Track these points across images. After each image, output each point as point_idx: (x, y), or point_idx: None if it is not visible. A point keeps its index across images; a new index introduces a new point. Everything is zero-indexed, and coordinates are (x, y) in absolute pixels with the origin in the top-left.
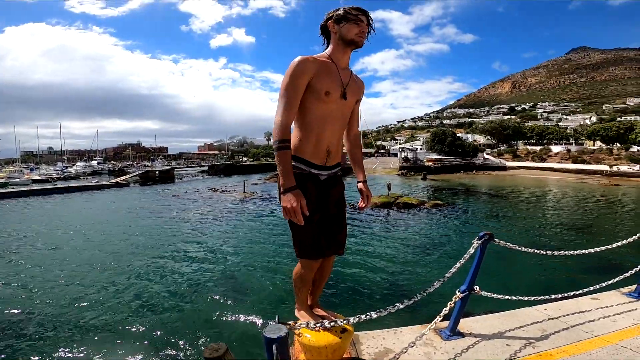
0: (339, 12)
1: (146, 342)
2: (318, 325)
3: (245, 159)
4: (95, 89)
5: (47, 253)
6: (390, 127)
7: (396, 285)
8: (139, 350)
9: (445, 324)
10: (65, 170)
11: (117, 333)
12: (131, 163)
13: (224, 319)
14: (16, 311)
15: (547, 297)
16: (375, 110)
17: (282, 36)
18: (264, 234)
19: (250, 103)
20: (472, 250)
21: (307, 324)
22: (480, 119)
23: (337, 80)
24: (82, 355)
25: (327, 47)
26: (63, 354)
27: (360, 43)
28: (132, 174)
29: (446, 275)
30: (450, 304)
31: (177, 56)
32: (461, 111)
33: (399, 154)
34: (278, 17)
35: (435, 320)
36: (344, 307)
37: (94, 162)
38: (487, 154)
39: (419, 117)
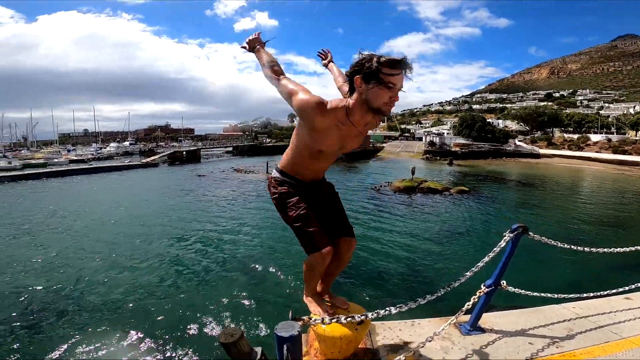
0: (371, 66)
1: (169, 319)
2: (334, 320)
3: (269, 140)
4: (126, 74)
5: (84, 230)
6: (415, 110)
7: (417, 273)
8: (162, 327)
9: (466, 318)
10: (99, 151)
11: (143, 310)
12: (160, 144)
13: (244, 301)
14: (55, 286)
15: (577, 295)
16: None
17: (306, 19)
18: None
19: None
20: (502, 244)
21: (322, 319)
22: (513, 105)
23: (340, 142)
24: (109, 327)
25: (351, 94)
26: (93, 327)
27: (388, 112)
28: (161, 155)
29: (473, 269)
30: (474, 299)
31: (202, 40)
32: (492, 96)
33: (424, 137)
34: (301, 0)
35: (457, 314)
36: (361, 293)
37: (126, 143)
38: (519, 141)
39: (446, 102)
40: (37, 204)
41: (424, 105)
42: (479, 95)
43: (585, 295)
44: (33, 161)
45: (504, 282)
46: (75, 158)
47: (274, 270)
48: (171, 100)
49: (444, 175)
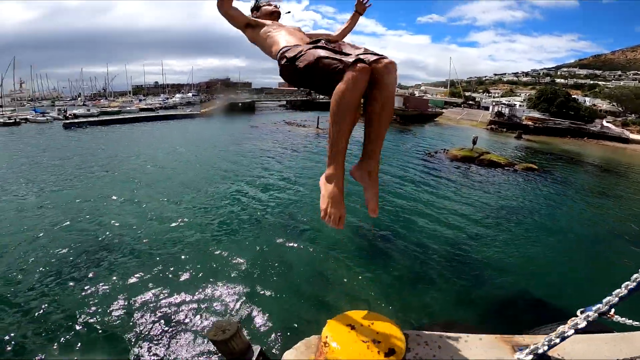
0: None
1: (221, 260)
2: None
3: (322, 96)
4: (192, 32)
5: (152, 172)
6: (484, 78)
7: (465, 262)
8: (212, 267)
9: (527, 339)
10: (165, 101)
11: (199, 250)
12: (219, 95)
13: (285, 247)
14: (127, 225)
15: None
16: (468, 61)
17: None
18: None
19: None
20: None
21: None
22: (607, 83)
23: None
24: (166, 260)
25: None
26: (156, 265)
27: None
28: (218, 105)
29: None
30: (562, 329)
31: None
32: (582, 72)
33: (491, 107)
34: None
35: (523, 334)
36: (393, 273)
37: (189, 95)
38: (607, 122)
39: (523, 73)
40: (109, 145)
41: (495, 74)
42: (565, 70)
43: None
44: (109, 109)
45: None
46: (145, 107)
47: (317, 219)
48: (232, 56)
49: (509, 149)
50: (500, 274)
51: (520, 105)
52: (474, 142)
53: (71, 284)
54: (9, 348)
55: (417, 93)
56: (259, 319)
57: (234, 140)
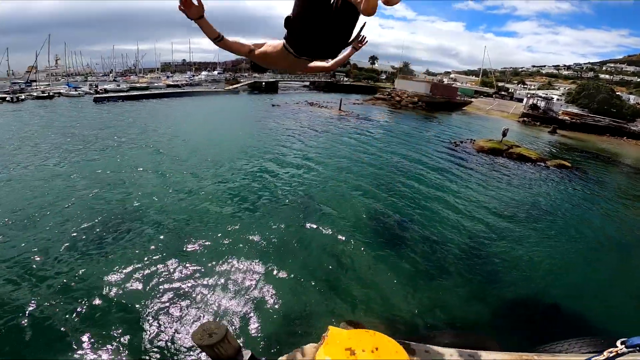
0: None
1: (238, 237)
2: None
3: (346, 79)
4: (219, 11)
5: (177, 146)
6: (520, 70)
7: (483, 260)
8: (232, 234)
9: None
10: (192, 78)
11: (218, 225)
12: (244, 74)
13: (302, 228)
14: (151, 196)
15: None
16: (504, 50)
17: None
18: (352, 151)
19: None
20: None
21: None
22: None
23: None
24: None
25: None
26: (176, 237)
27: None
28: (243, 83)
29: None
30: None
31: None
32: (630, 68)
33: (525, 99)
34: None
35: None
36: (409, 282)
37: (215, 72)
38: None
39: (564, 66)
40: (137, 119)
41: (534, 66)
42: (612, 65)
43: None
44: (138, 85)
45: None
46: (172, 83)
47: (338, 199)
48: (257, 35)
49: (542, 144)
50: (519, 275)
51: (557, 99)
52: (504, 134)
53: (94, 252)
54: (35, 314)
55: (446, 80)
56: (267, 303)
57: (257, 118)
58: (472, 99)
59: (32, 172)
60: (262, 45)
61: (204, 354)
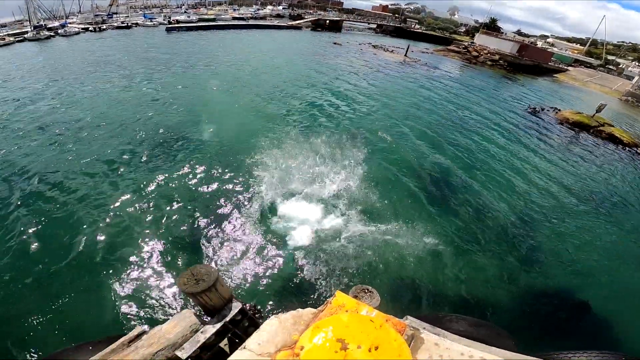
0: None
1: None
2: None
3: (418, 27)
4: None
5: (244, 73)
6: None
7: (525, 238)
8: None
9: None
10: (256, 12)
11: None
12: (309, 11)
13: (351, 153)
14: (220, 113)
15: None
16: (627, 24)
17: None
18: (415, 96)
19: None
20: None
21: None
22: None
23: None
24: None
25: None
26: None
27: None
28: (306, 20)
29: None
30: None
31: None
32: None
33: (637, 78)
34: None
35: None
36: (443, 241)
37: (280, 7)
38: None
39: None
40: (205, 47)
41: None
42: None
43: None
44: (205, 16)
45: None
46: (237, 16)
47: (387, 138)
48: None
49: None
50: (559, 265)
51: None
52: (599, 110)
53: (145, 167)
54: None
55: (540, 44)
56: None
57: (319, 54)
58: (569, 68)
59: (119, 88)
60: None
61: None
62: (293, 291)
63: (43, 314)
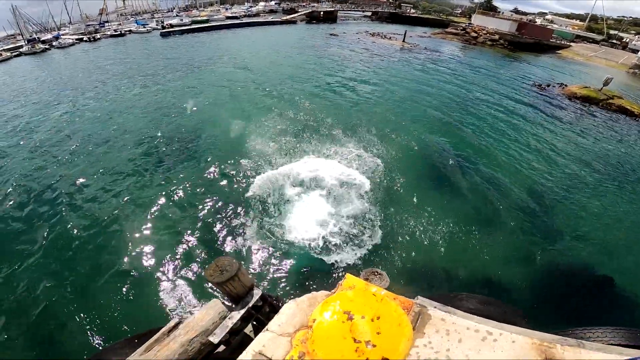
0: None
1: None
2: None
3: (413, 11)
4: None
5: (239, 71)
6: None
7: (537, 216)
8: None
9: (567, 352)
10: (249, 10)
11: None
12: (302, 4)
13: (361, 135)
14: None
15: None
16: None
17: None
18: (418, 79)
19: None
20: None
21: None
22: None
23: None
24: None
25: None
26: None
27: None
28: (300, 13)
29: None
30: None
31: None
32: None
33: None
34: None
35: None
36: (456, 218)
37: (272, 2)
38: None
39: None
40: (201, 50)
41: None
42: None
43: None
44: (199, 18)
45: None
46: (230, 15)
47: (394, 126)
48: None
49: None
50: (578, 238)
51: None
52: (606, 83)
53: (155, 169)
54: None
55: (539, 21)
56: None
57: (315, 47)
58: (571, 44)
59: (124, 93)
60: None
61: None
62: (308, 277)
63: (88, 317)
